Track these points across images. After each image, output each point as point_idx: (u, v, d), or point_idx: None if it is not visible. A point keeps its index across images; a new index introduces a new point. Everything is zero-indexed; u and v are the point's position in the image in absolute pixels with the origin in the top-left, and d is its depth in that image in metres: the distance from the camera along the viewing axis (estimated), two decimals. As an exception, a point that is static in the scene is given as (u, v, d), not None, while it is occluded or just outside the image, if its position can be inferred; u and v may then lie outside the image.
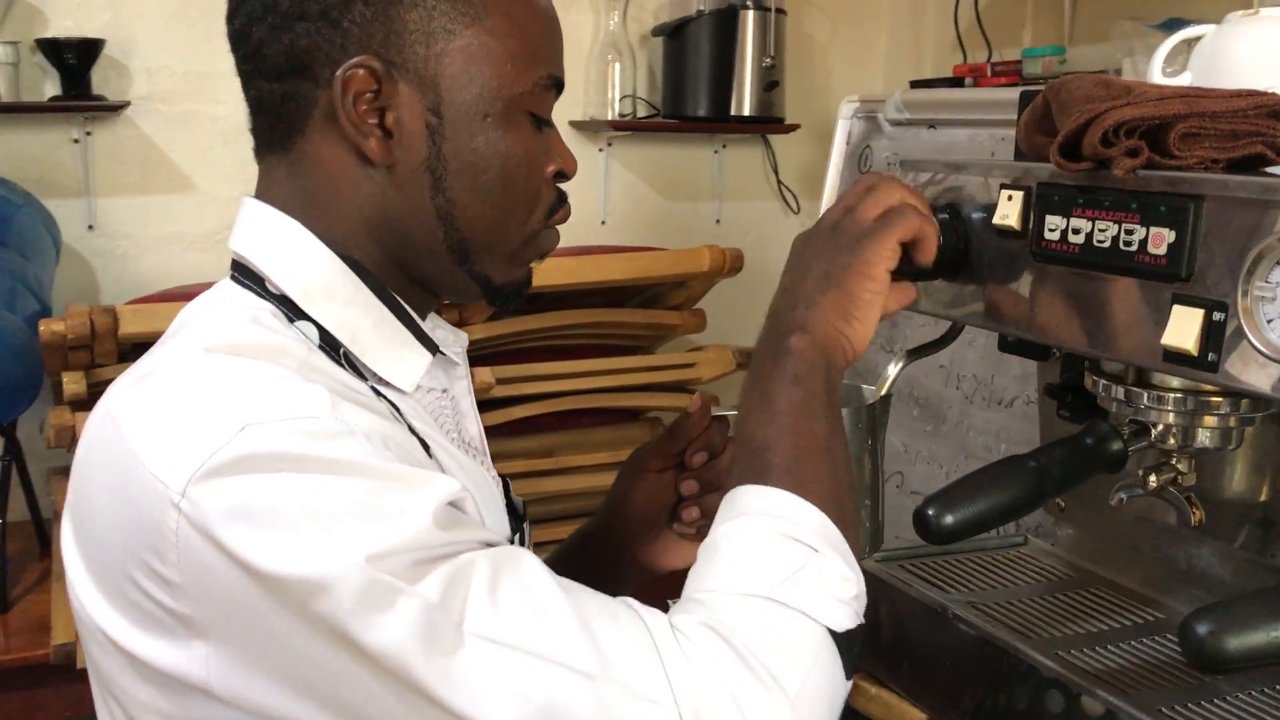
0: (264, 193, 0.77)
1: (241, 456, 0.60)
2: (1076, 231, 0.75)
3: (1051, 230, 0.77)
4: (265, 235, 0.74)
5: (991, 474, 0.75)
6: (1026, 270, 0.80)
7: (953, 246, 0.85)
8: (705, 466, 0.91)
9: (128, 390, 0.68)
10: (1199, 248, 0.68)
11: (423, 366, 0.77)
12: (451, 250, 0.76)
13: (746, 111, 2.53)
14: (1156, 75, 0.98)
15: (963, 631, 0.87)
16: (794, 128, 2.60)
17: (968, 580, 0.96)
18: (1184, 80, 0.98)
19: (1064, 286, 0.77)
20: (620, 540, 0.94)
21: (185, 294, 1.91)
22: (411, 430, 0.71)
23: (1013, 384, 1.59)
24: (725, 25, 2.49)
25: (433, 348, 0.78)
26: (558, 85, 0.78)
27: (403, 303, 0.77)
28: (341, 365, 0.71)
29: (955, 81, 2.23)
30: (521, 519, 0.83)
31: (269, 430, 0.61)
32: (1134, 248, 0.71)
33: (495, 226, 0.77)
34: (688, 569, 0.96)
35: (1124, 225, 0.72)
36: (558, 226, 0.81)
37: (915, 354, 0.93)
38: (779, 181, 2.74)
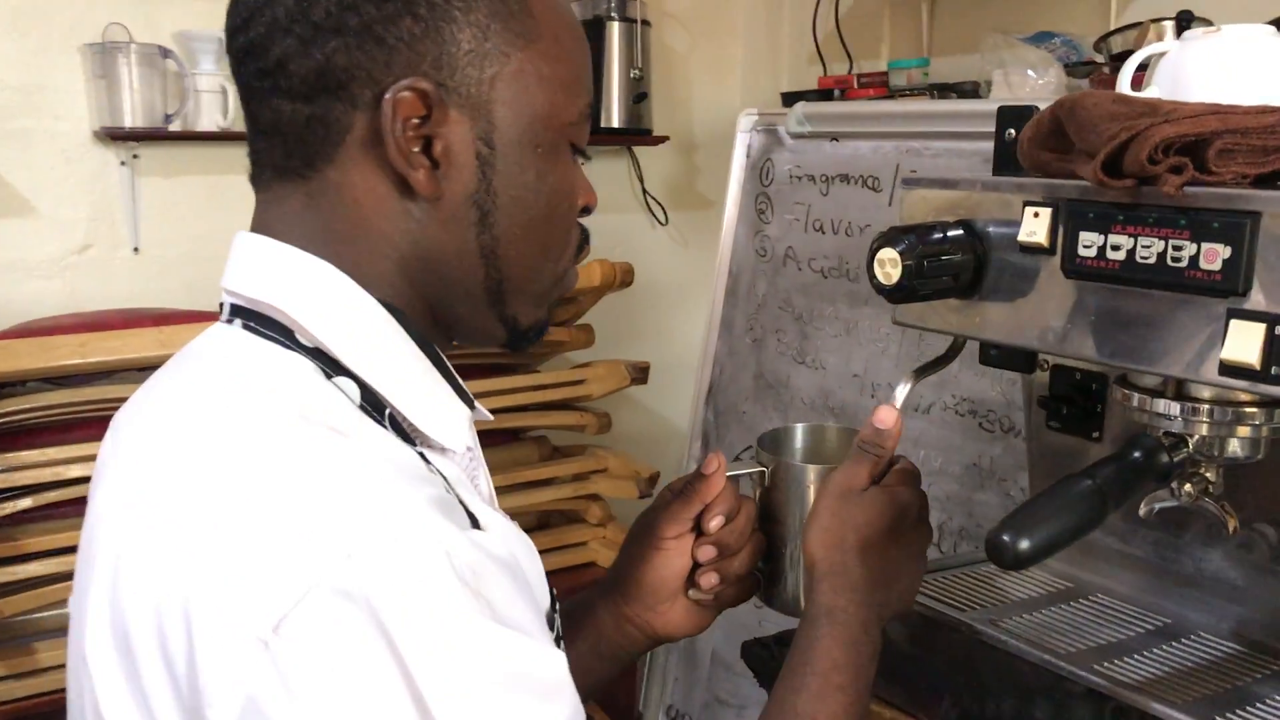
0: (270, 226, 0.69)
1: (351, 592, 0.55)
2: (1116, 248, 0.75)
3: (1086, 247, 0.77)
4: (289, 277, 0.67)
5: (1056, 497, 0.74)
6: (1056, 287, 0.80)
7: (967, 263, 0.84)
8: (723, 530, 0.88)
9: (189, 514, 0.59)
10: (1256, 262, 0.69)
11: (465, 423, 0.71)
12: (488, 291, 0.71)
13: (615, 123, 2.51)
14: (1125, 88, 1.00)
15: (992, 650, 0.87)
16: (663, 139, 2.59)
17: (969, 596, 0.96)
18: (1152, 94, 1.00)
19: (1100, 303, 0.77)
20: (633, 610, 0.90)
21: (45, 328, 1.76)
22: (460, 503, 0.66)
23: (929, 391, 1.61)
24: (592, 36, 2.45)
25: (469, 400, 0.72)
26: (594, 115, 0.74)
27: (440, 352, 0.71)
28: (385, 427, 0.65)
29: (824, 94, 2.27)
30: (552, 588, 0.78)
31: (385, 559, 0.56)
32: (1183, 264, 0.72)
33: (535, 265, 0.72)
34: (701, 633, 0.93)
35: (1171, 241, 0.72)
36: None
37: (921, 373, 0.92)
38: (645, 193, 2.73)
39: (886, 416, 0.84)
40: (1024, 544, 0.70)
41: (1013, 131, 0.98)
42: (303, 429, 0.60)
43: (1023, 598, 0.96)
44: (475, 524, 0.65)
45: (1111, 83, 1.78)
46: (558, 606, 0.76)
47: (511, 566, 0.65)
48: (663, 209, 2.73)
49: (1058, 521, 0.73)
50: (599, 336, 2.16)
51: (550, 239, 0.72)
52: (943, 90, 2.01)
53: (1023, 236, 0.81)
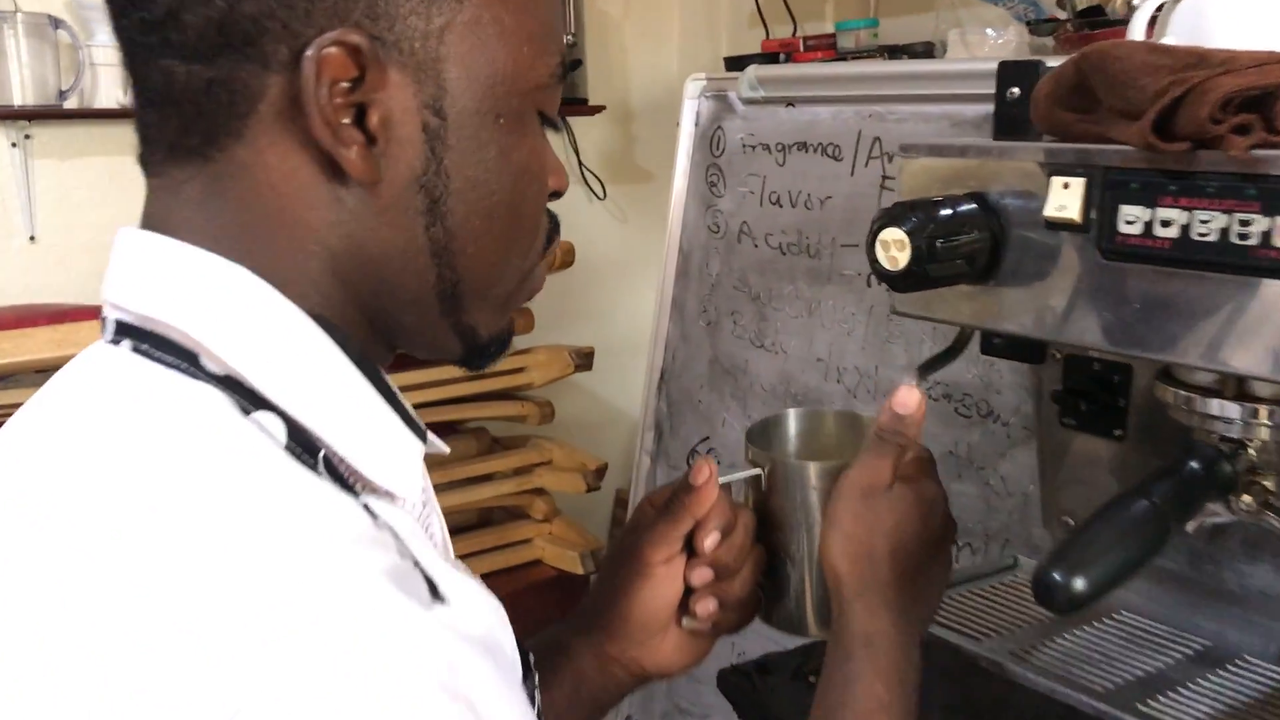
0: (164, 220, 0.55)
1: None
2: (1166, 224, 0.64)
3: (1130, 223, 0.66)
4: (190, 285, 0.52)
5: (1111, 522, 0.63)
6: (1090, 270, 0.68)
7: (983, 243, 0.73)
8: (719, 548, 0.76)
9: (64, 586, 0.45)
10: (1344, 239, 0.58)
11: (418, 461, 0.58)
12: (441, 297, 0.57)
13: (549, 93, 2.37)
14: (1139, 35, 0.89)
15: (1018, 688, 0.76)
16: (599, 109, 2.46)
17: (978, 621, 0.85)
18: (1170, 42, 0.89)
19: (1146, 289, 0.66)
20: (617, 649, 0.77)
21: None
22: (417, 566, 0.53)
23: (899, 375, 1.51)
24: (521, 0, 2.31)
25: (421, 431, 0.59)
26: (566, 76, 0.61)
27: (384, 374, 0.57)
28: (319, 473, 0.52)
29: (769, 58, 2.15)
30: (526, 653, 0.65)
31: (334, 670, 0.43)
32: (1252, 241, 0.61)
33: (497, 264, 0.59)
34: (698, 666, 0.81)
35: (1237, 215, 0.61)
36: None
37: (927, 369, 0.81)
38: (581, 165, 2.59)
39: (908, 399, 0.72)
40: (1079, 583, 0.59)
41: (1016, 90, 0.87)
42: (209, 491, 0.46)
43: (1039, 618, 0.85)
44: (436, 593, 0.53)
45: (1080, 40, 1.68)
46: (531, 660, 0.64)
47: (489, 646, 0.52)
48: (600, 183, 2.60)
49: (1117, 552, 0.61)
50: (539, 321, 2.03)
51: (516, 231, 0.59)
52: (894, 52, 1.90)
53: (1049, 211, 0.70)
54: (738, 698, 0.97)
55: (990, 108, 0.90)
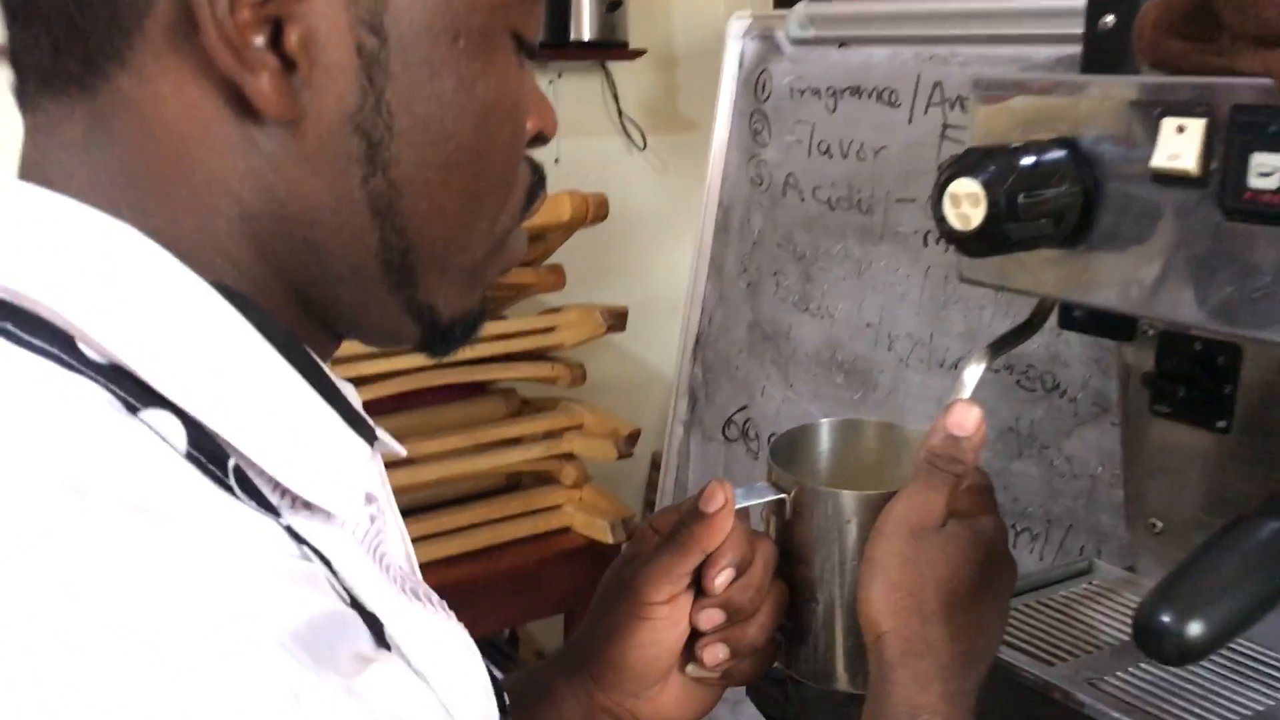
0: (41, 167, 0.44)
1: None
2: (1311, 176, 0.52)
3: (1264, 174, 0.53)
4: (67, 251, 0.42)
5: (1234, 550, 0.51)
6: (1209, 232, 0.56)
7: (1074, 199, 0.60)
8: (733, 586, 0.65)
9: None
10: None
11: (361, 468, 0.47)
12: (387, 267, 0.46)
13: (586, 36, 2.24)
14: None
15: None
16: (640, 53, 2.33)
17: (1047, 639, 0.73)
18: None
19: (1280, 255, 0.53)
20: (611, 699, 0.66)
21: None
22: (355, 603, 0.42)
23: (956, 343, 1.38)
24: (558, -63, 2.19)
25: (369, 433, 0.48)
26: (560, 20, 0.49)
27: (318, 360, 0.46)
28: (230, 488, 0.41)
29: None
30: (501, 691, 0.54)
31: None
32: None
33: (460, 227, 0.48)
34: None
35: (1407, 166, 0.49)
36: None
37: (998, 349, 0.69)
38: (621, 114, 2.46)
39: (965, 419, 0.61)
40: (1196, 629, 0.47)
41: (1110, 18, 0.73)
42: (76, 513, 0.35)
43: (1116, 635, 0.73)
44: (380, 636, 0.42)
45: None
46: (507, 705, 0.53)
47: (446, 692, 0.43)
48: (640, 132, 2.48)
49: (1243, 590, 0.49)
50: (571, 278, 1.92)
51: (482, 184, 0.48)
52: (961, -10, 1.75)
53: (1159, 161, 0.57)
54: (769, 709, 0.86)
55: (1070, 49, 0.77)
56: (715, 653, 0.65)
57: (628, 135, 2.48)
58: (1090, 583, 0.80)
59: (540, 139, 0.51)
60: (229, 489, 0.40)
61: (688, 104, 2.56)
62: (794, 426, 0.73)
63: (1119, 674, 0.68)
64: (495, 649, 2.00)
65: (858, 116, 1.45)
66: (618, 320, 1.87)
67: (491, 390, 1.97)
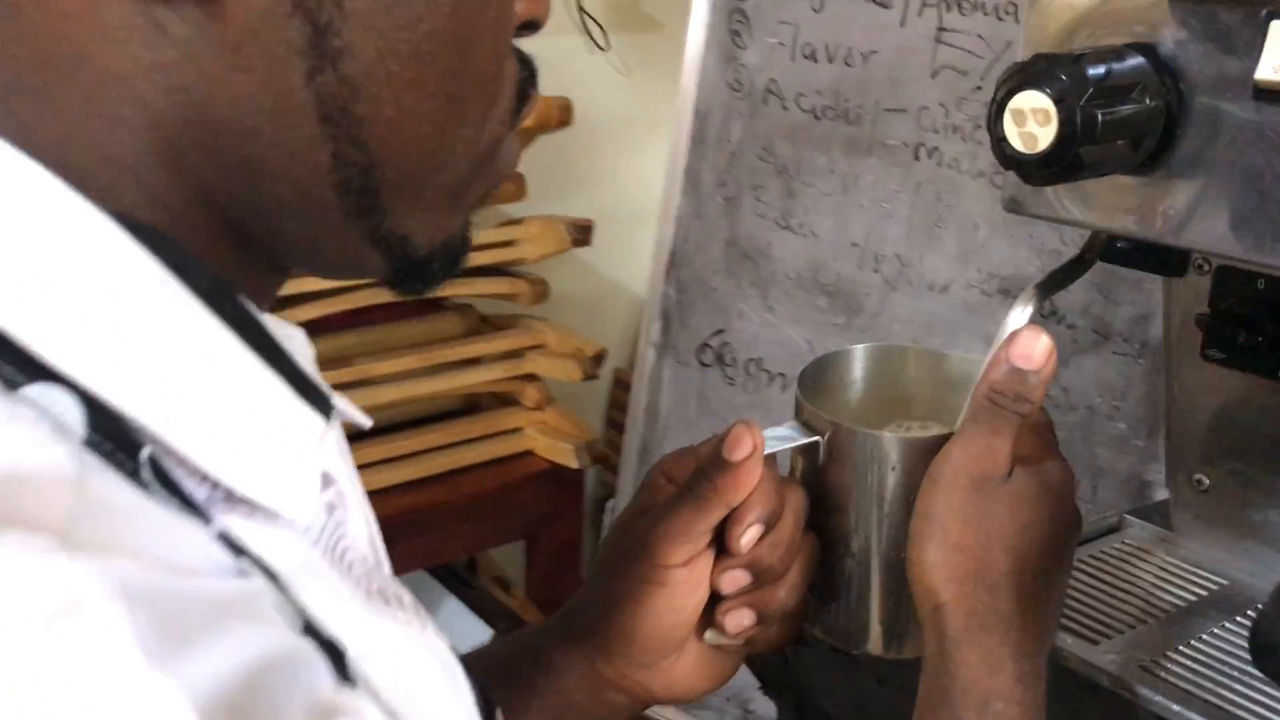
0: None
1: None
2: None
3: (1400, 93, 0.44)
4: None
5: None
6: (1322, 160, 0.47)
7: (1155, 116, 0.51)
8: (760, 544, 0.56)
9: None
10: None
11: (313, 449, 0.38)
12: (345, 191, 0.37)
13: (546, -74, 2.09)
14: None
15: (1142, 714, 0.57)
16: (602, -56, 2.18)
17: (1087, 611, 0.66)
18: None
19: None
20: (618, 671, 0.59)
21: None
22: (309, 627, 0.33)
23: (947, 264, 1.30)
24: None
25: (324, 402, 0.39)
26: None
27: (254, 312, 0.37)
28: (143, 485, 0.31)
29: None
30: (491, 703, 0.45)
31: None
32: None
33: (437, 136, 0.38)
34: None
35: None
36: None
37: (1048, 288, 0.60)
38: (580, 9, 2.32)
39: (1032, 347, 0.53)
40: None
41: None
42: None
43: (1165, 607, 0.66)
44: (342, 666, 0.33)
45: None
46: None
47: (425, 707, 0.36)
48: (602, 30, 2.34)
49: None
50: (532, 188, 1.80)
51: (463, 80, 0.38)
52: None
53: (1264, 73, 0.48)
54: (765, 671, 0.79)
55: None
56: (739, 618, 0.57)
57: (588, 34, 2.34)
58: (1122, 541, 0.73)
59: (531, 26, 0.42)
60: (141, 485, 0.31)
61: (651, 1, 2.42)
62: (824, 354, 0.64)
63: (1171, 654, 0.61)
64: (453, 575, 1.93)
65: (846, 17, 1.35)
66: (583, 234, 1.77)
67: (447, 307, 1.87)
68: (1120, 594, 0.67)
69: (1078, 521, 0.55)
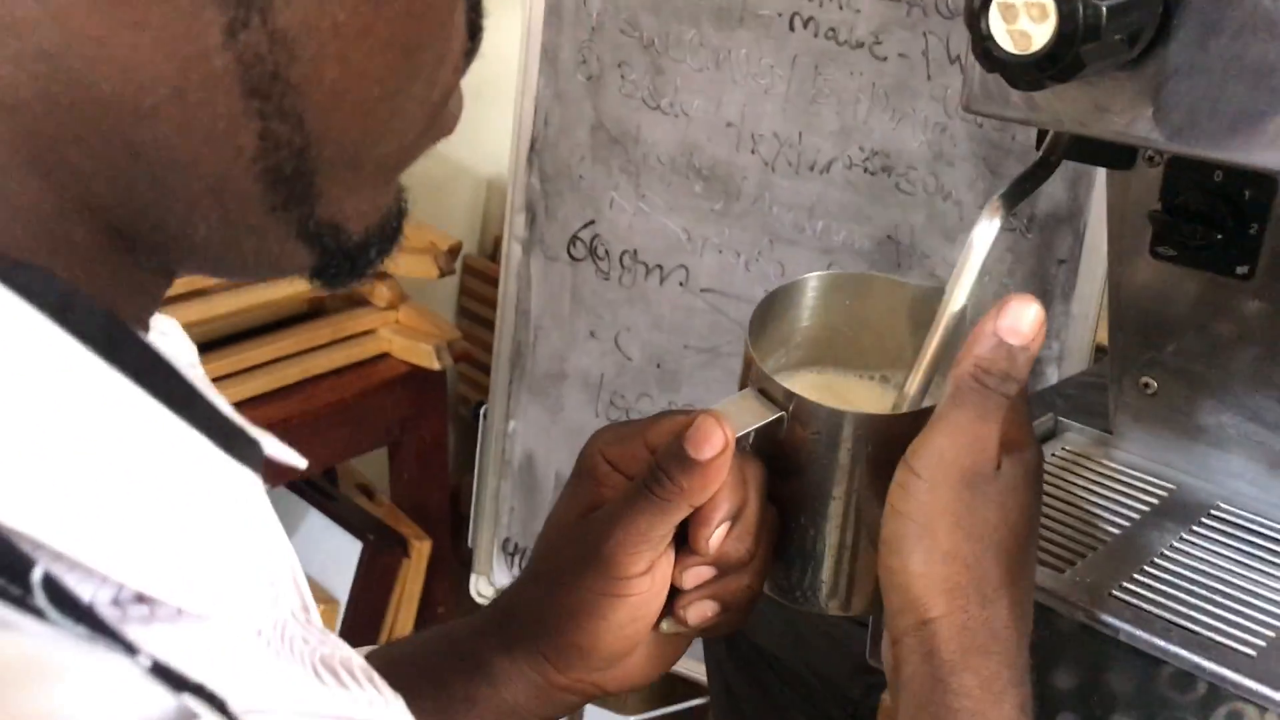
0: None
1: None
2: None
3: None
4: None
5: None
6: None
7: (1150, 11, 0.45)
8: (727, 538, 0.50)
9: None
10: None
11: (252, 512, 0.29)
12: (274, 180, 0.29)
13: None
14: None
15: (1118, 647, 0.54)
16: None
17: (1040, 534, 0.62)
18: None
19: None
20: (571, 679, 0.52)
21: None
22: None
23: (828, 143, 1.24)
24: None
25: (251, 451, 0.30)
26: None
27: (156, 349, 0.27)
28: (37, 612, 0.22)
29: None
30: None
31: None
32: None
33: (388, 99, 0.30)
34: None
35: None
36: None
37: (1013, 197, 0.54)
38: None
39: (1021, 318, 0.47)
40: None
41: None
42: None
43: (1117, 522, 0.63)
44: None
45: None
46: None
47: None
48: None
49: None
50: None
51: (419, 26, 0.30)
52: None
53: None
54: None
55: None
56: (702, 611, 0.51)
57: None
58: (1062, 449, 0.70)
59: None
60: (35, 613, 0.23)
61: None
62: (772, 290, 0.57)
63: (1138, 577, 0.58)
64: (313, 488, 1.83)
65: (710, -124, 1.25)
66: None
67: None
68: (1069, 509, 0.64)
69: (1040, 500, 0.50)
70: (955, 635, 0.44)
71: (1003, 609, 0.45)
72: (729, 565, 0.50)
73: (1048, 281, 1.15)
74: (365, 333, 1.75)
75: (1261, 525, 0.62)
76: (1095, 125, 0.49)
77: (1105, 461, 0.68)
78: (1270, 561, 0.60)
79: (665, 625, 0.52)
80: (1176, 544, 0.61)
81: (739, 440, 0.49)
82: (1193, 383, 0.64)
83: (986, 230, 0.52)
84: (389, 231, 0.33)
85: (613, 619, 0.49)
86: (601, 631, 0.50)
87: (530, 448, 1.44)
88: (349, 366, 1.72)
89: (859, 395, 0.59)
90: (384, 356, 1.76)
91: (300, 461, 0.34)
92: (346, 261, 0.32)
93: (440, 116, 0.33)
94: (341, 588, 1.76)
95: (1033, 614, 0.47)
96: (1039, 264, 1.15)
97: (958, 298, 0.52)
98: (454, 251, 1.70)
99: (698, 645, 0.64)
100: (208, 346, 1.61)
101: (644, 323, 1.33)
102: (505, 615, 0.53)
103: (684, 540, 0.50)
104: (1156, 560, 0.60)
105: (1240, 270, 0.60)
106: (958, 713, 0.44)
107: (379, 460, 1.89)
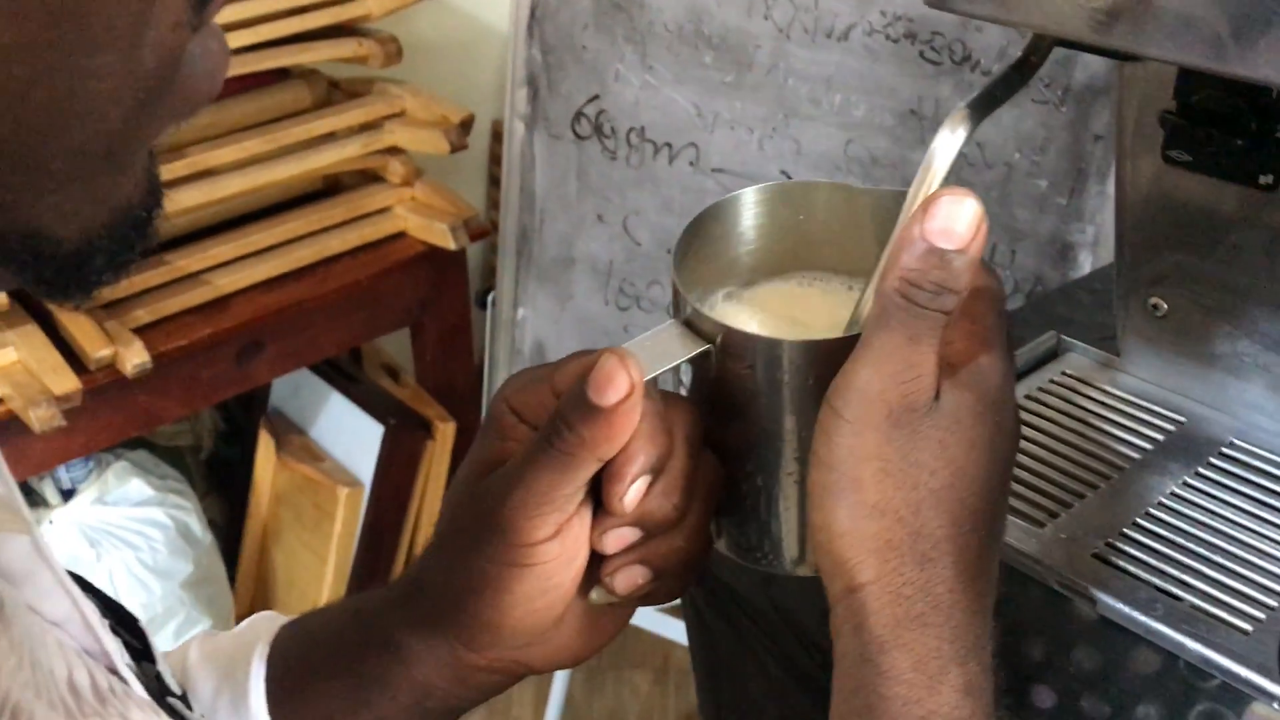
0: None
1: None
2: None
3: None
4: None
5: None
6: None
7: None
8: (649, 495, 0.44)
9: None
10: None
11: None
12: None
13: None
14: None
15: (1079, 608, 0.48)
16: None
17: (1025, 475, 0.56)
18: None
19: None
20: (485, 657, 0.47)
21: None
22: None
23: (848, 6, 1.14)
24: None
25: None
26: None
27: None
28: None
29: None
30: None
31: None
32: None
33: (42, 82, 0.24)
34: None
35: None
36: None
37: (983, 107, 0.46)
38: None
39: (954, 220, 0.39)
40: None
41: None
42: None
43: (1117, 461, 0.57)
44: None
45: None
46: None
47: None
48: None
49: None
50: (371, -69, 1.57)
51: None
52: None
53: None
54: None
55: None
56: (630, 578, 0.45)
57: None
58: (1063, 372, 0.63)
59: None
60: None
61: None
62: (704, 209, 0.50)
63: (1129, 531, 0.52)
64: (337, 371, 1.80)
65: None
66: (432, -15, 1.55)
67: (291, 76, 1.66)
68: (1065, 446, 0.57)
69: (1019, 427, 0.43)
70: (887, 604, 0.38)
71: (945, 569, 0.39)
72: (656, 525, 0.44)
73: (1083, 159, 1.05)
74: (380, 211, 1.69)
75: (1278, 465, 0.56)
76: (1071, 26, 0.41)
77: (1109, 388, 0.61)
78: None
79: (594, 595, 0.47)
80: (1179, 489, 0.55)
81: (660, 380, 0.43)
82: (1207, 305, 0.56)
83: (949, 143, 0.45)
84: (127, 232, 0.27)
85: (519, 591, 0.44)
86: (508, 606, 0.44)
87: (540, 336, 1.39)
88: (365, 247, 1.67)
89: (825, 311, 0.51)
90: (401, 235, 1.70)
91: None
92: (66, 273, 0.27)
93: (174, 84, 0.27)
94: (366, 471, 1.75)
95: (997, 569, 0.41)
96: (1073, 139, 1.06)
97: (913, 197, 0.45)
98: (466, 125, 1.62)
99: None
100: (215, 230, 1.57)
101: (653, 205, 1.26)
102: (412, 588, 0.49)
103: (600, 501, 0.44)
104: (1153, 509, 0.53)
105: (1264, 180, 0.52)
106: (889, 701, 0.38)
107: (404, 341, 1.85)
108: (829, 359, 0.42)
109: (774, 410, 0.45)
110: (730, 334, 0.44)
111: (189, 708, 0.40)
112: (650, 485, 0.43)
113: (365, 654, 0.48)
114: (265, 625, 0.52)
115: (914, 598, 0.38)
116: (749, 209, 0.50)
